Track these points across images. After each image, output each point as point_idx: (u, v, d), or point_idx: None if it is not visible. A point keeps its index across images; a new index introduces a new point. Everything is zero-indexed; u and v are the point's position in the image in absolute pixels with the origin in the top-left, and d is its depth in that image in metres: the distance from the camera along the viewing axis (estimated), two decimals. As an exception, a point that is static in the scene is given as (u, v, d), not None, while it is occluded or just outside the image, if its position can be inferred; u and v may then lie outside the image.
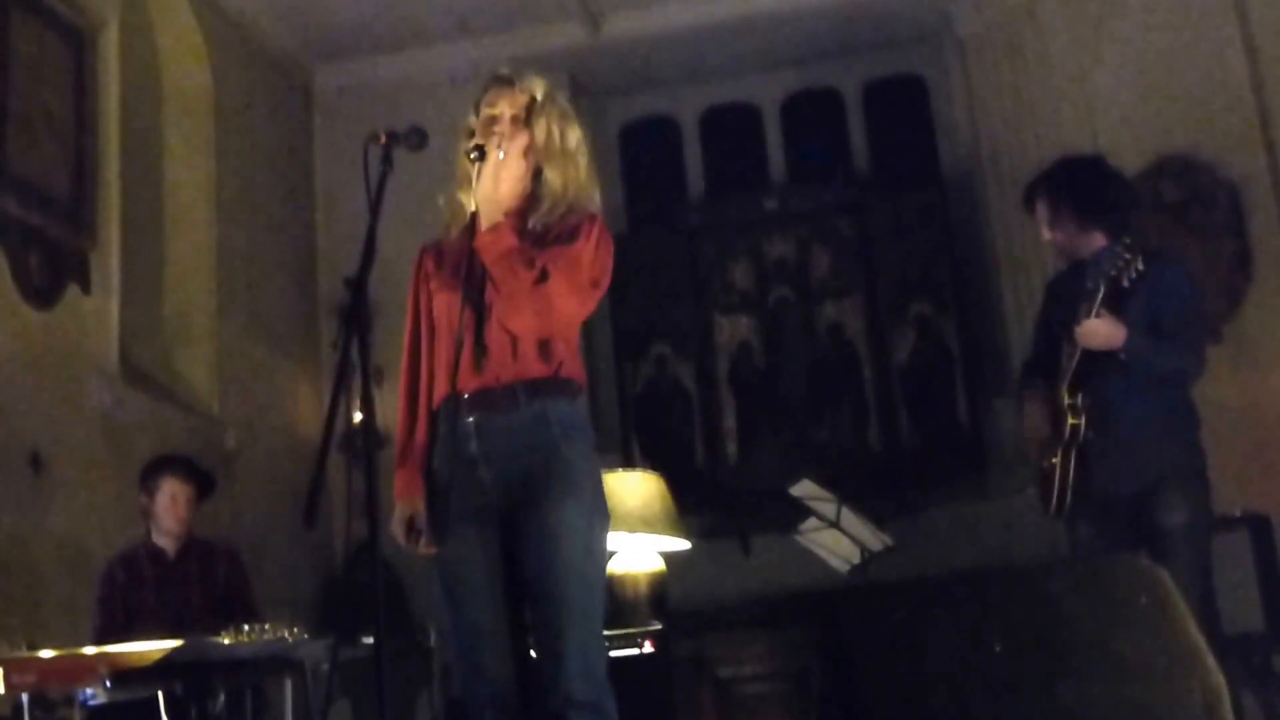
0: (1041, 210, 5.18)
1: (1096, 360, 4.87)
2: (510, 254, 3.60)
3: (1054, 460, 5.00)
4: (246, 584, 6.17)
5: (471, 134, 3.84)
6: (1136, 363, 4.84)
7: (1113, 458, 4.89)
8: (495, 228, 3.64)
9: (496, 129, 3.77)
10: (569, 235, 3.73)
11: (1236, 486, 6.99)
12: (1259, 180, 8.19)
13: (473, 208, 3.71)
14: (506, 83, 3.84)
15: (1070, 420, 4.91)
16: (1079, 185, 5.19)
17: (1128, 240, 4.82)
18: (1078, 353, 4.87)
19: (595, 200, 3.92)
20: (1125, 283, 4.72)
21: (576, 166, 3.87)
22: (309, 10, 9.08)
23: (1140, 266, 4.69)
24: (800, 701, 7.76)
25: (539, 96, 3.82)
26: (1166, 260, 5.03)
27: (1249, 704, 6.11)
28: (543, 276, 3.59)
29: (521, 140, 3.77)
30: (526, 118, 3.79)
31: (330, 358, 4.61)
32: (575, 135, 3.89)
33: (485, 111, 3.82)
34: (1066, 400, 4.93)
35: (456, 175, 3.91)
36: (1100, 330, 4.79)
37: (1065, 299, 5.13)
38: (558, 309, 3.64)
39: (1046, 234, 5.19)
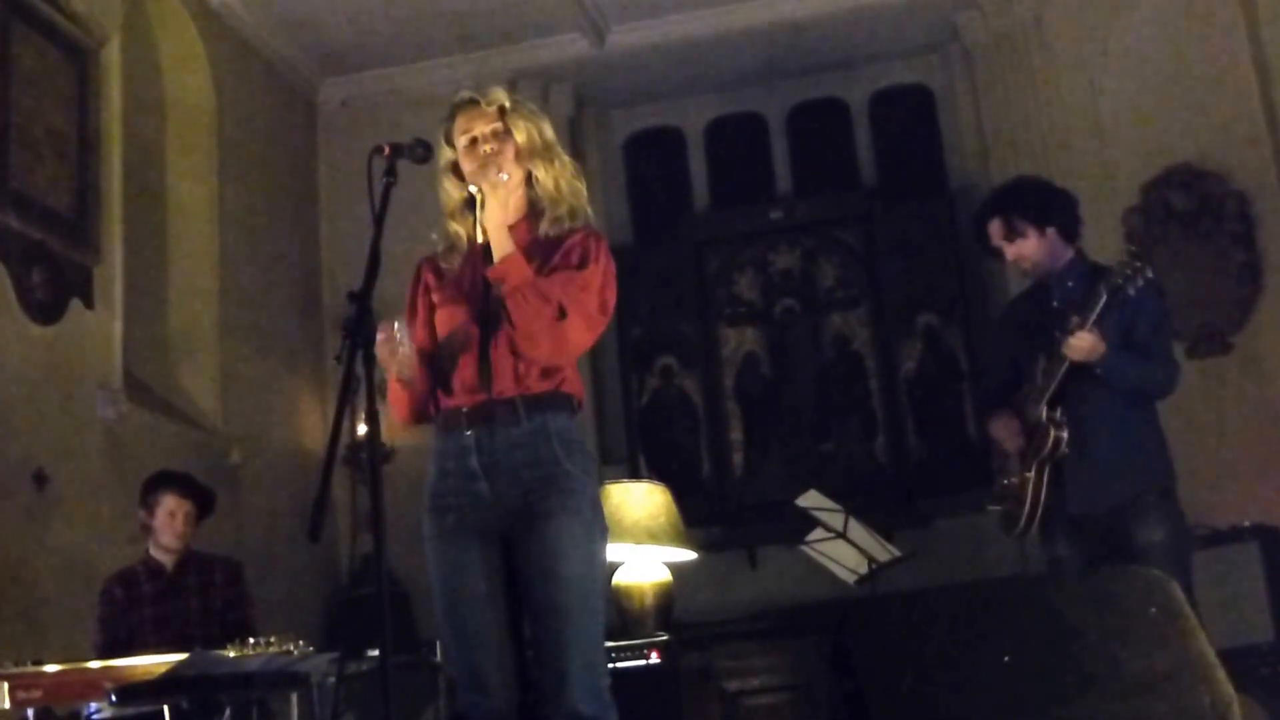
0: (995, 231, 5.15)
1: (1076, 376, 4.85)
2: (526, 287, 3.62)
3: (1026, 475, 4.97)
4: (242, 598, 6.15)
5: (454, 166, 3.87)
6: (1114, 378, 4.82)
7: (1088, 475, 4.87)
8: (508, 259, 3.65)
9: (484, 148, 3.78)
10: (579, 260, 3.74)
11: (1246, 497, 6.98)
12: (1268, 189, 8.17)
13: (480, 238, 3.70)
14: (471, 104, 3.85)
15: (1053, 433, 4.88)
16: (1021, 195, 5.22)
17: (1134, 249, 4.81)
18: (1063, 367, 4.84)
19: (583, 191, 3.93)
20: (1131, 291, 4.69)
21: (561, 159, 3.90)
22: (312, 24, 9.07)
23: (1149, 275, 4.67)
24: (807, 714, 7.76)
25: (507, 103, 3.84)
26: None
27: (1259, 716, 6.08)
28: (561, 314, 3.62)
29: (510, 149, 3.78)
30: (505, 127, 3.79)
31: (334, 371, 4.62)
32: (549, 129, 3.92)
33: (463, 138, 3.83)
34: (1046, 414, 4.90)
35: (445, 207, 3.92)
36: (1086, 341, 4.76)
37: (1027, 321, 5.15)
38: (573, 343, 3.70)
39: (1010, 253, 5.14)
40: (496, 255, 3.67)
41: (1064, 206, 5.17)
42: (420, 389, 3.79)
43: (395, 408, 3.87)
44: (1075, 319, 4.76)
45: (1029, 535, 5.08)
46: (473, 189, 3.79)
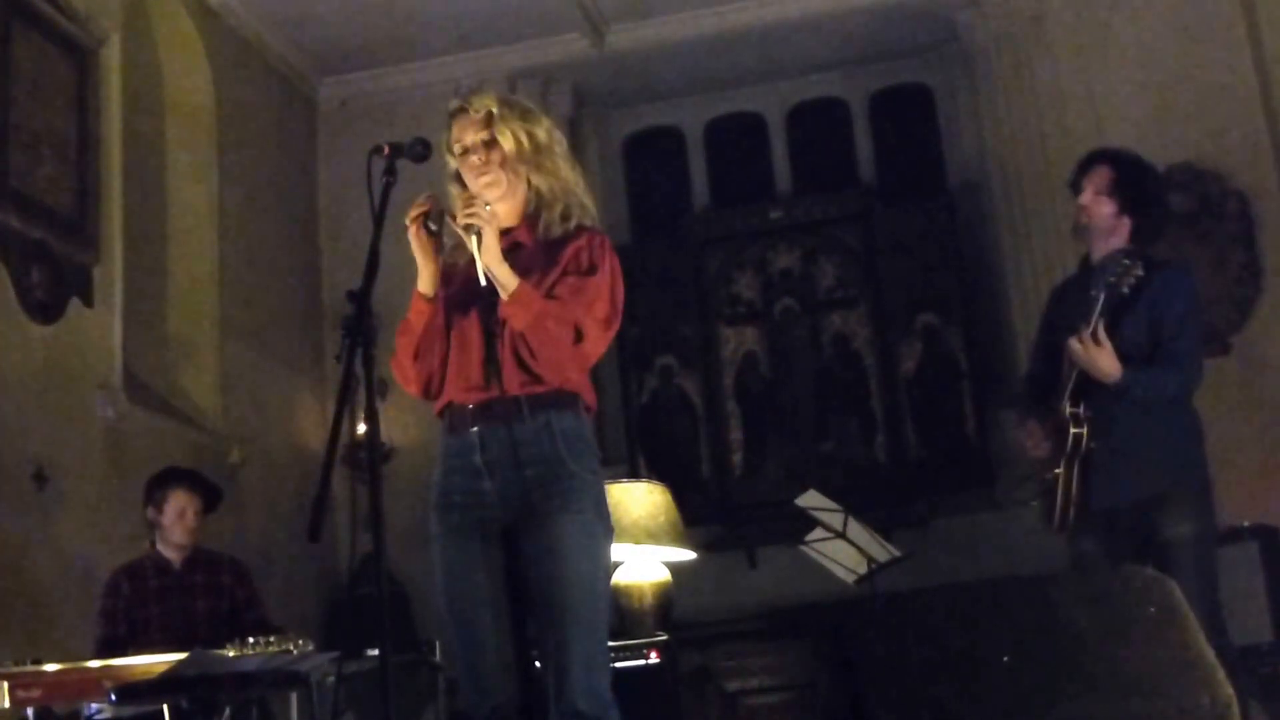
0: (1102, 173, 5.04)
1: None
2: (543, 318, 3.62)
3: (1056, 473, 4.94)
4: (255, 594, 6.16)
5: (457, 175, 3.87)
6: (1133, 395, 4.78)
7: (1113, 468, 4.82)
8: (516, 296, 3.63)
9: (472, 159, 3.78)
10: (587, 264, 3.76)
11: (1245, 497, 6.98)
12: (1268, 190, 8.18)
13: (483, 282, 3.67)
14: (461, 113, 3.84)
15: (1073, 430, 4.84)
16: (1145, 178, 5.12)
17: (1130, 247, 4.78)
18: (1078, 366, 4.83)
19: (581, 185, 3.93)
20: (1125, 289, 4.65)
21: (554, 159, 3.88)
22: (312, 23, 9.07)
23: (1140, 273, 4.62)
24: (807, 713, 7.76)
25: (494, 110, 3.81)
26: (1170, 268, 4.99)
27: (1258, 716, 6.08)
28: (579, 337, 3.66)
29: (497, 158, 3.78)
30: (491, 136, 3.79)
31: (334, 371, 4.63)
32: (543, 129, 3.89)
33: (456, 147, 3.84)
34: (1069, 410, 4.85)
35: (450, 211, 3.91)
36: (1099, 361, 4.73)
37: (1069, 307, 5.07)
38: (593, 356, 3.76)
39: (1086, 198, 5.04)
40: (501, 290, 3.65)
41: (1158, 217, 5.12)
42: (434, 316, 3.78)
43: (405, 338, 3.82)
44: (1083, 322, 4.73)
45: (1064, 531, 5.04)
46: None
